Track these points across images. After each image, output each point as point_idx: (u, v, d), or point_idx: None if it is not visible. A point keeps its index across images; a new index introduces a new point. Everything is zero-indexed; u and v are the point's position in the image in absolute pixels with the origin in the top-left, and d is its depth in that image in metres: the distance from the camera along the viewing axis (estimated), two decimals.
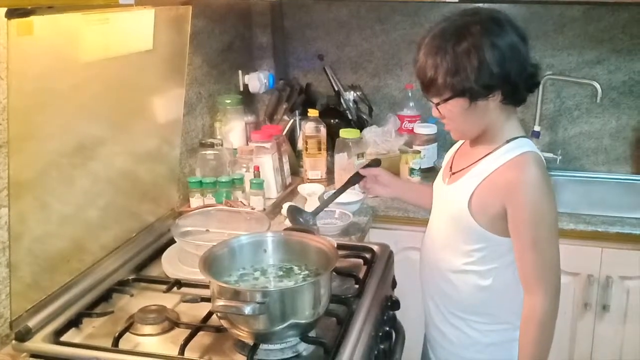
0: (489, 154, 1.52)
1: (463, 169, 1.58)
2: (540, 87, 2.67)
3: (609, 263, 2.20)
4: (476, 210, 1.50)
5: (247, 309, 1.25)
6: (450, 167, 1.65)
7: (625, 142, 2.76)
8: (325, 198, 2.02)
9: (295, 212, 1.89)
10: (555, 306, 1.52)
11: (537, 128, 2.70)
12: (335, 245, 1.53)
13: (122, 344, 1.40)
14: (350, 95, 2.75)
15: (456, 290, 1.61)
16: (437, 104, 1.48)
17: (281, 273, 1.50)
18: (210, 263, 1.41)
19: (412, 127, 2.73)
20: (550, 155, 2.68)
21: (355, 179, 1.90)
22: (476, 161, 1.54)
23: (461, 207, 1.52)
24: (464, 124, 1.51)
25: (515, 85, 1.43)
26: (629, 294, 2.22)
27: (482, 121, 1.49)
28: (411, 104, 2.80)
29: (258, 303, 1.26)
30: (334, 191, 1.97)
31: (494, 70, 1.38)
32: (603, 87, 2.54)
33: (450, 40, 1.40)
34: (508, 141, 1.50)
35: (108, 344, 1.39)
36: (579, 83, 2.68)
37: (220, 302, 1.30)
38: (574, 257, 2.21)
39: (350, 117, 2.71)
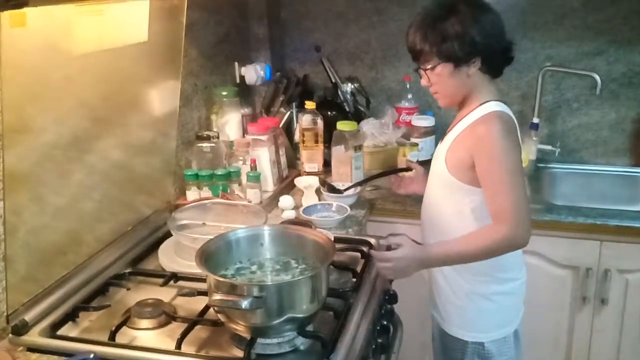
0: (464, 117, 1.69)
1: (445, 134, 1.77)
2: (539, 78, 2.67)
3: (608, 256, 2.20)
4: (451, 164, 1.68)
5: (244, 303, 1.24)
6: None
7: (624, 134, 2.74)
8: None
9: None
10: (517, 241, 1.60)
11: (535, 120, 2.69)
12: (332, 239, 1.52)
13: (119, 338, 1.39)
14: (348, 87, 2.73)
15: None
16: (426, 70, 1.67)
17: (278, 267, 1.50)
18: (207, 257, 1.40)
19: (410, 120, 2.72)
20: (549, 147, 2.67)
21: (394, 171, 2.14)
22: (456, 123, 1.72)
23: (440, 164, 1.71)
24: (449, 88, 1.69)
25: (493, 54, 1.64)
26: (627, 287, 2.22)
27: (465, 86, 1.68)
28: (409, 95, 2.78)
29: (255, 297, 1.25)
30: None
31: (476, 39, 1.60)
32: (602, 79, 2.53)
33: (438, 15, 1.62)
34: (481, 104, 1.67)
35: (105, 337, 1.39)
36: (578, 74, 2.67)
37: (217, 297, 1.29)
38: (572, 250, 2.21)
39: (347, 109, 2.70)
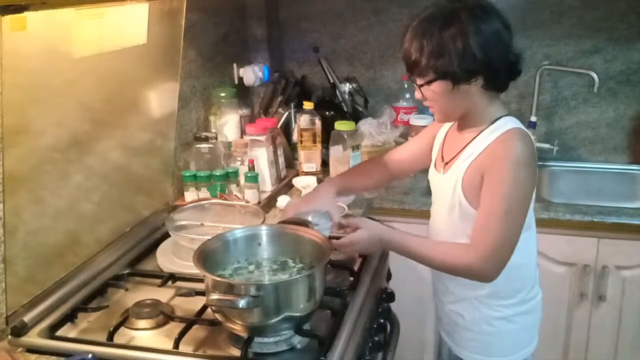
0: (476, 136, 1.54)
1: (454, 156, 1.59)
2: (537, 77, 2.67)
3: (606, 253, 2.20)
4: (468, 191, 1.52)
5: (242, 303, 1.25)
6: (442, 157, 1.65)
7: (622, 132, 2.74)
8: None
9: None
10: (480, 275, 1.51)
11: (533, 118, 2.70)
12: (328, 238, 1.53)
13: (117, 338, 1.40)
14: (346, 87, 2.74)
15: None
16: (420, 86, 1.50)
17: (275, 266, 1.50)
18: (205, 257, 1.41)
19: (408, 119, 2.72)
20: (547, 145, 2.67)
21: None
22: (465, 146, 1.56)
23: (457, 194, 1.54)
24: (446, 106, 1.54)
25: (497, 71, 1.47)
26: (625, 284, 2.22)
27: (464, 104, 1.52)
28: (407, 95, 2.79)
29: (252, 296, 1.26)
30: None
31: (477, 56, 1.41)
32: (600, 77, 2.53)
33: (437, 24, 1.43)
34: (493, 122, 1.53)
35: (103, 338, 1.40)
36: (576, 73, 2.67)
37: (215, 296, 1.30)
38: (570, 247, 2.21)
39: (345, 109, 2.70)
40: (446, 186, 1.59)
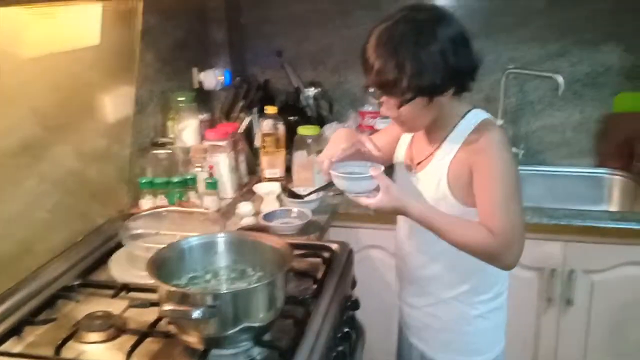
0: (449, 133, 1.55)
1: (428, 156, 1.59)
2: (503, 80, 2.68)
3: (573, 257, 2.19)
4: (453, 186, 1.53)
5: (196, 313, 1.20)
6: (412, 157, 1.65)
7: (588, 135, 2.75)
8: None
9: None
10: (503, 263, 1.52)
11: (499, 122, 2.68)
12: (289, 245, 1.48)
13: (65, 353, 1.33)
14: (310, 92, 2.71)
15: (447, 270, 1.62)
16: (400, 105, 1.47)
17: (234, 275, 1.46)
18: (159, 266, 1.35)
19: (374, 124, 2.69)
20: (513, 149, 2.66)
21: None
22: (440, 144, 1.56)
23: (441, 190, 1.54)
24: (420, 119, 1.53)
25: (468, 77, 1.49)
26: (592, 287, 2.21)
27: (435, 113, 1.52)
28: (372, 100, 2.75)
29: (208, 307, 1.22)
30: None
31: (454, 67, 1.42)
32: (566, 80, 2.52)
33: (409, 39, 1.40)
34: (463, 116, 1.54)
35: (50, 353, 1.32)
36: (542, 76, 2.66)
37: (168, 307, 1.24)
38: (537, 251, 2.19)
39: (310, 114, 2.67)
40: (425, 184, 1.58)
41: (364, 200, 1.50)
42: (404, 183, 1.66)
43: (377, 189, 1.48)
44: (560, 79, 2.50)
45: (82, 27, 1.68)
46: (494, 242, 1.46)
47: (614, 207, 2.68)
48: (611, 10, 2.61)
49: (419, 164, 1.62)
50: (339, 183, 1.52)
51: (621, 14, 2.61)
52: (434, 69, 1.40)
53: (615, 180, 2.69)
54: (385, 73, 1.42)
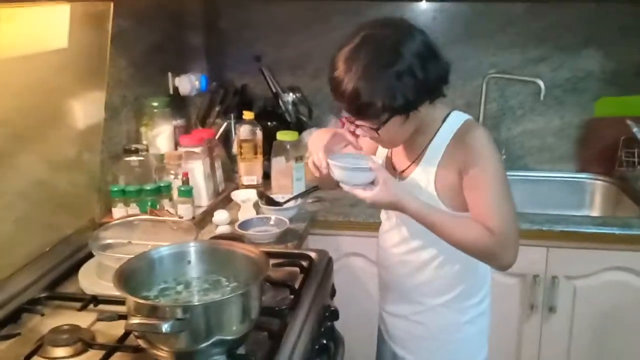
0: (432, 138, 1.53)
1: (414, 161, 1.57)
2: (484, 86, 2.67)
3: (555, 263, 2.17)
4: (441, 191, 1.52)
5: (165, 327, 1.15)
6: (393, 165, 1.62)
7: (569, 140, 2.75)
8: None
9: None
10: (500, 263, 1.50)
11: None
12: (264, 253, 1.43)
13: None
14: (289, 97, 2.66)
15: (436, 277, 1.61)
16: (377, 128, 1.44)
17: (207, 286, 1.40)
18: (127, 277, 1.29)
19: (354, 129, 2.64)
20: None
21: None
22: (423, 150, 1.54)
23: (428, 195, 1.52)
24: (399, 136, 1.51)
25: (441, 86, 1.47)
26: (575, 294, 2.19)
27: (414, 125, 1.50)
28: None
29: (178, 319, 1.16)
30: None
31: (425, 83, 1.40)
32: (547, 85, 2.54)
33: (380, 61, 1.38)
34: (444, 120, 1.53)
35: None
36: (523, 81, 2.66)
37: (135, 320, 1.19)
38: (519, 257, 2.14)
39: (289, 120, 2.62)
40: (411, 191, 1.53)
41: (361, 193, 1.47)
42: None
43: (373, 183, 1.46)
44: (541, 82, 2.50)
45: (49, 29, 1.63)
46: (493, 241, 1.45)
47: (595, 212, 2.67)
48: (591, 15, 2.61)
49: (402, 171, 1.60)
50: (337, 173, 1.49)
51: (601, 19, 2.61)
52: (404, 88, 1.38)
53: (596, 185, 2.69)
54: (358, 99, 1.39)
